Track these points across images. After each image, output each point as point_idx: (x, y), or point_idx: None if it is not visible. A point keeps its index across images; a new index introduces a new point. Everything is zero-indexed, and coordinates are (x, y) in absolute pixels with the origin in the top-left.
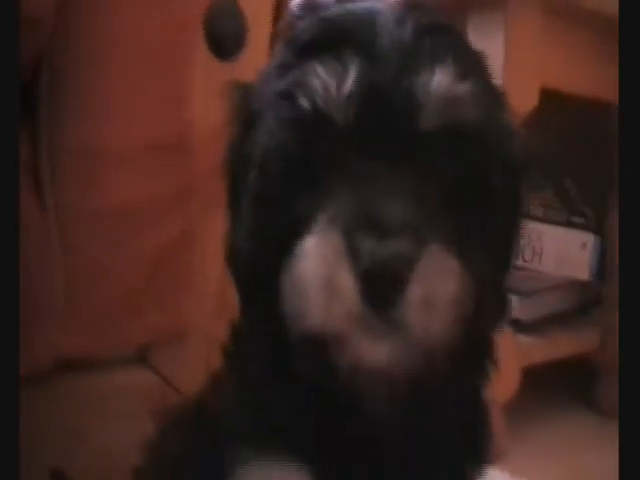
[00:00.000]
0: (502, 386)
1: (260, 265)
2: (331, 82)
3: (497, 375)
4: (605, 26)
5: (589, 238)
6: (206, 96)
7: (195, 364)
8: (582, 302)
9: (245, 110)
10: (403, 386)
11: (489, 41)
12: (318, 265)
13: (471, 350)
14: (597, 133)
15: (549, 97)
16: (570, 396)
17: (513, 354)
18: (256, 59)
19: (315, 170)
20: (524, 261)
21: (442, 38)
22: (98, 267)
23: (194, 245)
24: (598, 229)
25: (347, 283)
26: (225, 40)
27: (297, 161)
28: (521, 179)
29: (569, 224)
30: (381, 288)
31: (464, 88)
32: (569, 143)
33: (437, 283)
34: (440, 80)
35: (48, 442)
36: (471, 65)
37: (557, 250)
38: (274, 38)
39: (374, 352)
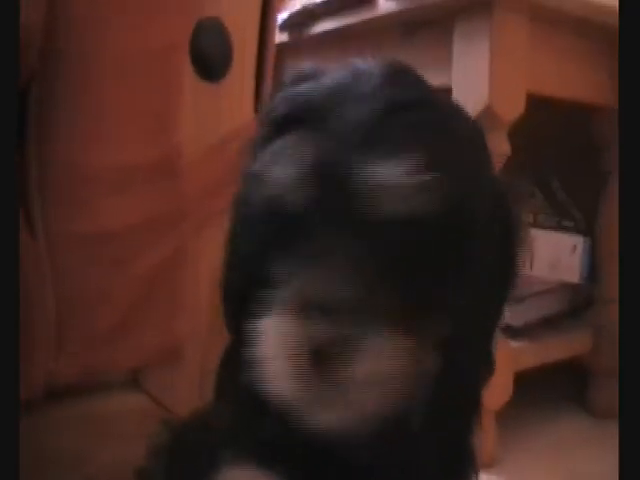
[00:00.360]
0: (495, 393)
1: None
2: (287, 166)
3: (490, 382)
4: (591, 32)
5: (579, 240)
6: (195, 118)
7: (188, 386)
8: (573, 305)
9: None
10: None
11: (475, 48)
12: (271, 345)
13: (452, 409)
14: (584, 136)
15: (536, 102)
16: (564, 399)
17: (506, 361)
18: (242, 80)
19: (279, 245)
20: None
21: (414, 117)
22: (90, 291)
23: (186, 265)
24: (587, 231)
25: (297, 364)
26: (211, 60)
27: (264, 233)
28: (512, 254)
29: (559, 228)
30: (327, 365)
31: (421, 181)
32: (557, 148)
33: (379, 359)
34: (395, 173)
35: (48, 467)
36: (443, 148)
37: (548, 254)
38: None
39: (321, 419)
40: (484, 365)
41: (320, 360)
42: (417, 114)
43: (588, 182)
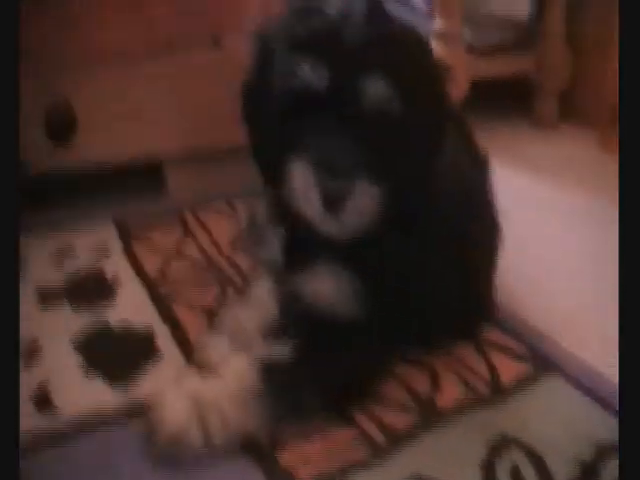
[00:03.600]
0: (456, 89)
1: (271, 162)
2: (311, 73)
3: (452, 80)
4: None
5: None
6: None
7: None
8: (522, 37)
9: (262, 55)
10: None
11: None
12: (299, 183)
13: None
14: None
15: None
16: (513, 112)
17: (464, 65)
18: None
19: (303, 120)
20: (477, 3)
21: (385, 45)
22: None
23: None
24: None
25: (315, 199)
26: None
27: (293, 113)
28: (442, 118)
29: None
30: (331, 204)
31: (389, 92)
32: None
33: (361, 201)
34: (374, 86)
35: None
36: (403, 66)
37: None
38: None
39: (329, 228)
40: (427, 190)
41: (326, 201)
42: (387, 43)
43: None
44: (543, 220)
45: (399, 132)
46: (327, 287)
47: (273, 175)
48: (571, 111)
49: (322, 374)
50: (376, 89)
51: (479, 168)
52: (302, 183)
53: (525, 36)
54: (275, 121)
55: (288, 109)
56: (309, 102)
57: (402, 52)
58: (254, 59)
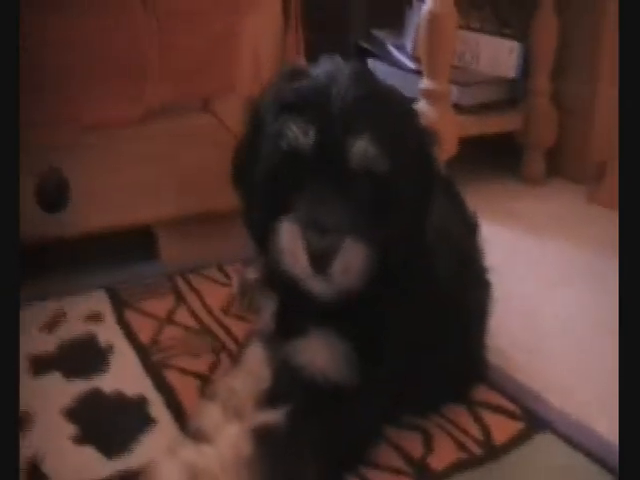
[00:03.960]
0: (445, 149)
1: (261, 225)
2: (299, 134)
3: (440, 141)
4: None
5: (515, 45)
6: None
7: (240, 110)
8: (509, 96)
9: (254, 119)
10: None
11: None
12: (287, 243)
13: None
14: None
15: None
16: (500, 168)
17: (452, 125)
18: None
19: (291, 181)
20: (465, 62)
21: (372, 106)
22: (180, 46)
23: (238, 33)
24: (523, 38)
25: (302, 258)
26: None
27: (282, 174)
28: (430, 181)
29: (501, 34)
30: (319, 262)
31: (375, 151)
32: None
33: (350, 260)
34: (361, 145)
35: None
36: (388, 125)
37: (490, 55)
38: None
39: (317, 288)
40: (418, 250)
41: (315, 259)
42: (373, 105)
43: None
44: (533, 275)
45: (387, 191)
46: (319, 355)
47: (263, 238)
48: (558, 167)
49: (316, 441)
50: (362, 148)
51: (468, 229)
52: (289, 242)
53: (512, 94)
54: (264, 185)
55: (276, 171)
56: (297, 163)
57: (388, 113)
58: (246, 125)
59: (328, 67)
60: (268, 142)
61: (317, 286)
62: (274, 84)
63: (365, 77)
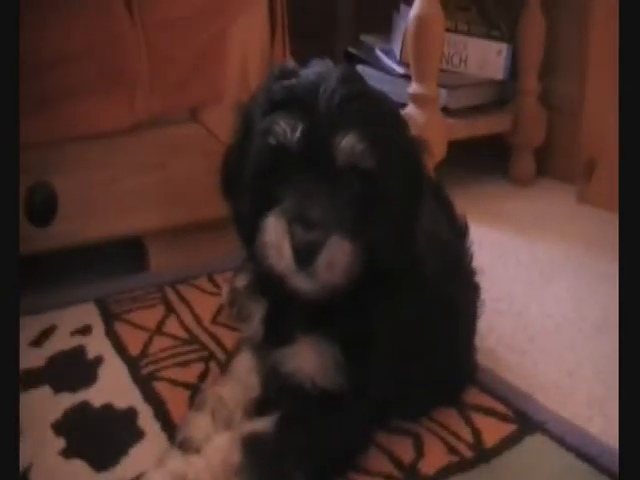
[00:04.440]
0: (434, 153)
1: (249, 223)
2: (287, 130)
3: (429, 149)
4: None
5: (503, 47)
6: None
7: (226, 120)
8: (498, 97)
9: (243, 122)
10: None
11: None
12: (272, 236)
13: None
14: None
15: None
16: (489, 169)
17: (441, 129)
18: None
19: (279, 177)
20: (452, 65)
21: (360, 105)
22: (167, 55)
23: (227, 40)
24: (510, 39)
25: (287, 251)
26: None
27: (269, 170)
28: (419, 186)
29: (488, 36)
30: (303, 257)
31: (361, 147)
32: None
33: (335, 255)
34: (347, 141)
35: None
36: (375, 125)
37: (478, 57)
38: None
39: (302, 285)
40: (404, 249)
41: (299, 253)
42: (363, 103)
43: (514, 1)
44: (523, 276)
45: (374, 188)
46: (308, 362)
47: (250, 236)
48: (547, 167)
49: (304, 448)
50: (349, 145)
51: (457, 232)
52: (274, 235)
53: (500, 95)
54: (252, 181)
55: (264, 166)
56: (284, 158)
57: (375, 112)
58: (236, 129)
59: (318, 68)
60: (257, 139)
61: (301, 282)
62: (264, 84)
63: (354, 78)
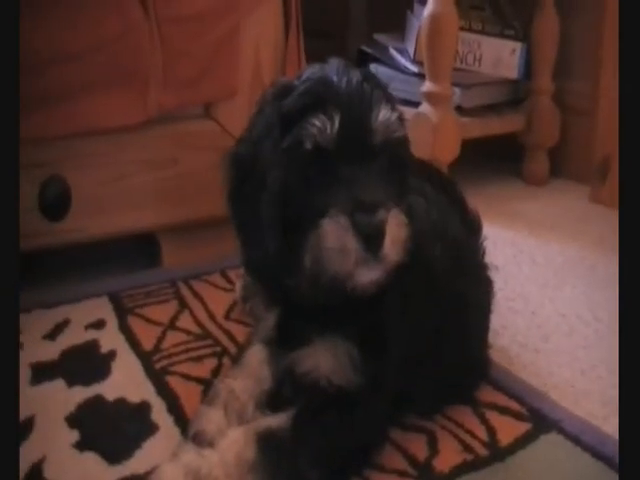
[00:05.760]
0: (447, 151)
1: (280, 250)
2: (326, 125)
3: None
4: None
5: (517, 45)
6: None
7: (240, 116)
8: (512, 96)
9: (240, 167)
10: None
11: None
12: (334, 237)
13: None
14: None
15: None
16: (503, 168)
17: (455, 128)
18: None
19: (319, 181)
20: (467, 64)
21: (372, 83)
22: (182, 51)
23: (241, 36)
24: (524, 38)
25: (353, 245)
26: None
27: (306, 178)
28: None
29: (502, 35)
30: (374, 240)
31: (395, 115)
32: None
33: (396, 229)
34: (383, 114)
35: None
36: (391, 100)
37: (493, 56)
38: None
39: (367, 276)
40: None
41: (370, 238)
42: (372, 81)
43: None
44: (537, 275)
45: (404, 157)
46: (324, 361)
47: (284, 259)
48: (561, 167)
49: (321, 445)
50: (385, 116)
51: (471, 230)
52: (337, 236)
53: (514, 95)
54: (289, 201)
55: (302, 175)
56: (321, 161)
57: (383, 87)
58: (229, 176)
59: (312, 70)
60: (290, 142)
61: (367, 273)
62: (260, 109)
63: (351, 66)
